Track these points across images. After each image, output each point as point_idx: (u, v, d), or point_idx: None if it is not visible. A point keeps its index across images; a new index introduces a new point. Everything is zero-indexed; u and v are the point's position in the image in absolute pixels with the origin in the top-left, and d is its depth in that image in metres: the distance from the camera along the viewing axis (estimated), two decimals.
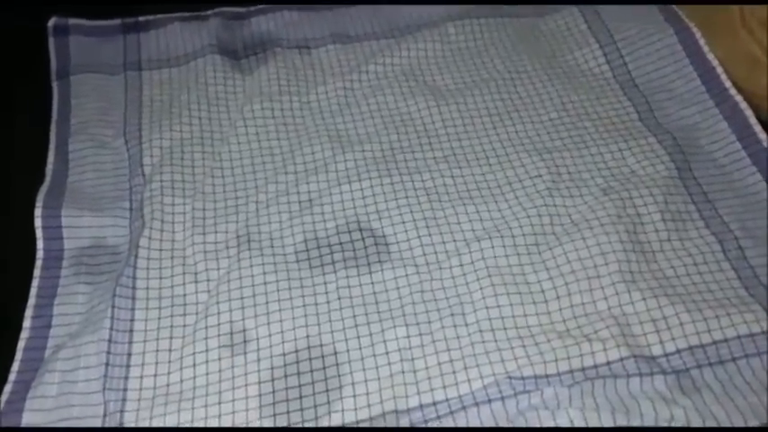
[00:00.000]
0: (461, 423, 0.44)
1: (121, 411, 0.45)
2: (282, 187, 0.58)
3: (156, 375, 0.47)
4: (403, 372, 0.46)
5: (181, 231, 0.55)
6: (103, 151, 0.61)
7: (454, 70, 0.69)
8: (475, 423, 0.44)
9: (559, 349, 0.47)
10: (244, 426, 0.45)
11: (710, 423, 0.43)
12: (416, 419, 0.44)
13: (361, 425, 0.44)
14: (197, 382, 0.47)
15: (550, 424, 0.43)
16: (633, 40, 0.69)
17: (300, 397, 0.46)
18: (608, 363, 0.46)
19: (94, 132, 0.62)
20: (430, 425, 0.44)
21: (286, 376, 0.47)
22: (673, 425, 0.43)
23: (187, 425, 0.44)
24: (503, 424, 0.44)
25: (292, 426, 0.44)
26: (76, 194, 0.57)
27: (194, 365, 0.47)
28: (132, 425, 0.45)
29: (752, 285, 0.51)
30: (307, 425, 0.44)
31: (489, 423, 0.44)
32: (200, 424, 0.44)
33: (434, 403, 0.45)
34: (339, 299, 0.51)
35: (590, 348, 0.47)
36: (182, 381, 0.47)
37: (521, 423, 0.43)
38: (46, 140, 0.61)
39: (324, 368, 0.47)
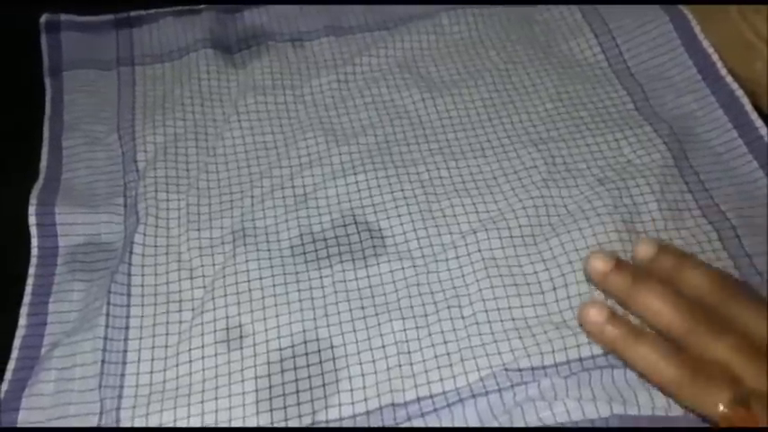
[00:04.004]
0: (458, 415, 0.44)
1: (118, 408, 0.45)
2: (277, 181, 0.58)
3: (152, 372, 0.47)
4: (399, 365, 0.46)
5: (176, 227, 0.55)
6: (97, 147, 0.61)
7: (449, 62, 0.68)
8: (472, 415, 0.44)
9: (556, 340, 0.47)
10: (241, 420, 0.44)
11: None
12: (413, 412, 0.44)
13: (357, 418, 0.44)
14: (193, 379, 0.46)
15: (547, 415, 0.43)
16: (628, 29, 0.68)
17: (297, 391, 0.46)
18: (605, 353, 0.46)
19: (88, 129, 0.62)
20: (426, 418, 0.44)
21: (282, 371, 0.47)
22: (670, 414, 0.43)
23: (184, 421, 0.44)
24: (500, 416, 0.44)
25: (289, 419, 0.44)
26: (70, 191, 0.56)
27: (190, 362, 0.47)
28: (129, 422, 0.44)
29: (749, 275, 0.51)
30: (304, 419, 0.44)
31: (486, 415, 0.44)
32: (197, 420, 0.44)
33: (431, 396, 0.45)
34: (335, 293, 0.50)
35: (587, 339, 0.46)
36: (178, 377, 0.47)
37: (518, 415, 0.43)
38: (39, 138, 0.60)
39: (320, 362, 0.47)
